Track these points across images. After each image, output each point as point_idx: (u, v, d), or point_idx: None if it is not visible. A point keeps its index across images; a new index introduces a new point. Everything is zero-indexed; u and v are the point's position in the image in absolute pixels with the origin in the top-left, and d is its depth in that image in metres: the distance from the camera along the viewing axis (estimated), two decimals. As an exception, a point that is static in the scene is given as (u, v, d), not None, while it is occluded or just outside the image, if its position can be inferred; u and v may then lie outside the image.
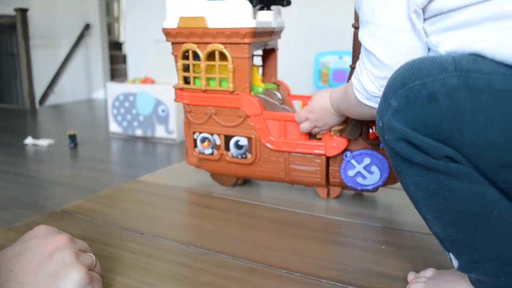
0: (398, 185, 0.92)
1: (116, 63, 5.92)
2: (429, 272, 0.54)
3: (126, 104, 3.14)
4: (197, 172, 1.01)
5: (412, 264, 0.60)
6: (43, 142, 2.92)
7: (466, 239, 0.43)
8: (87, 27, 5.42)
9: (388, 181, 0.81)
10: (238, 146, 0.84)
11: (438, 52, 0.45)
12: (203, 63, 0.80)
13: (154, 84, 3.16)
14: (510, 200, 0.42)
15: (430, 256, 0.61)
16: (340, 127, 0.81)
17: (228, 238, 0.68)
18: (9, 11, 4.51)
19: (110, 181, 2.24)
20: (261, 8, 0.84)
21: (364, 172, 0.80)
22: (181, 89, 0.85)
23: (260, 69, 0.96)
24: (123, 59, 5.95)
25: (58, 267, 0.46)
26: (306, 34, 3.35)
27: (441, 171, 0.41)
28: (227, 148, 0.85)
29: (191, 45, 0.80)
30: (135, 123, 3.15)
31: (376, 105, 0.53)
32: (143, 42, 4.30)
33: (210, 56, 0.81)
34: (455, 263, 0.45)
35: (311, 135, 0.82)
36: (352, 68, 0.79)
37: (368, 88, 0.54)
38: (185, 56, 0.83)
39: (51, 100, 5.13)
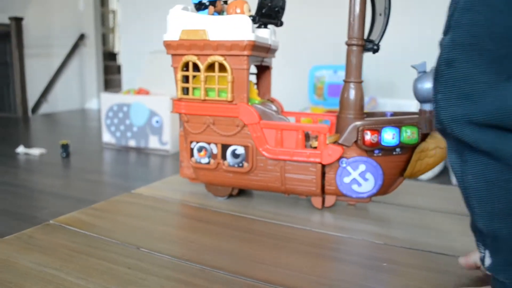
0: (388, 199, 0.94)
1: (110, 73, 5.92)
2: None
3: (120, 115, 3.13)
4: (191, 184, 1.00)
5: (415, 282, 0.59)
6: (35, 151, 2.89)
7: (510, 236, 0.43)
8: (81, 37, 5.42)
9: (381, 190, 0.83)
10: (235, 155, 0.85)
11: None
12: (202, 74, 0.81)
13: (149, 95, 3.15)
14: None
15: (433, 275, 0.60)
16: (335, 135, 0.82)
17: (226, 253, 0.66)
18: (4, 19, 4.50)
19: (102, 192, 2.22)
20: (259, 26, 0.88)
21: (359, 179, 0.81)
22: (179, 99, 0.85)
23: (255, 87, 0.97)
24: (117, 69, 5.95)
25: None
26: (301, 48, 3.37)
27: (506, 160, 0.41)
28: (223, 157, 0.85)
29: (192, 57, 0.82)
30: (129, 134, 3.13)
31: None
32: (138, 53, 4.30)
33: (209, 67, 0.82)
34: (487, 261, 0.45)
35: (306, 144, 0.83)
36: (346, 81, 0.82)
37: None
38: (184, 68, 0.84)
39: (44, 108, 5.11)
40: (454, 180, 2.24)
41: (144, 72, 3.61)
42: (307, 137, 0.88)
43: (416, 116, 0.79)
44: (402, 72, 3.03)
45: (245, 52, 0.79)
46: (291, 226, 0.78)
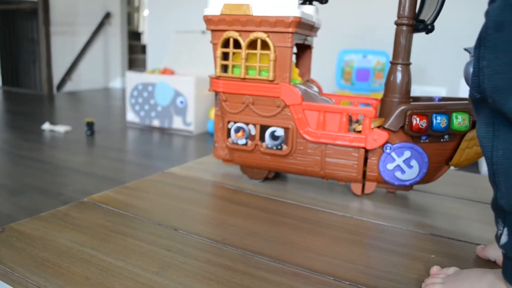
0: (429, 188, 0.89)
1: (134, 53, 5.92)
2: (450, 270, 0.52)
3: (145, 94, 3.12)
4: (224, 165, 0.97)
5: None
6: (60, 129, 2.90)
7: None
8: (107, 15, 5.42)
9: (425, 178, 0.79)
10: (274, 137, 0.81)
11: None
12: (244, 52, 0.77)
13: (174, 75, 3.13)
14: None
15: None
16: (379, 119, 0.78)
17: (266, 238, 0.63)
18: (31, -4, 4.51)
19: (126, 170, 2.22)
20: (303, 2, 0.84)
21: (403, 166, 0.78)
22: (218, 77, 0.82)
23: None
24: (142, 49, 5.94)
25: None
26: (331, 31, 3.29)
27: None
28: (262, 138, 0.82)
29: (233, 33, 0.78)
30: (153, 114, 3.12)
31: None
32: (163, 32, 4.28)
33: (250, 44, 0.78)
34: (504, 239, 0.43)
35: (349, 128, 0.80)
36: (393, 63, 0.78)
37: None
38: (225, 45, 0.80)
39: (68, 87, 5.14)
40: (483, 169, 2.17)
41: (169, 52, 3.59)
42: (349, 120, 0.84)
43: (466, 102, 0.75)
44: (431, 58, 2.94)
45: (290, 29, 0.74)
46: (330, 212, 0.75)
